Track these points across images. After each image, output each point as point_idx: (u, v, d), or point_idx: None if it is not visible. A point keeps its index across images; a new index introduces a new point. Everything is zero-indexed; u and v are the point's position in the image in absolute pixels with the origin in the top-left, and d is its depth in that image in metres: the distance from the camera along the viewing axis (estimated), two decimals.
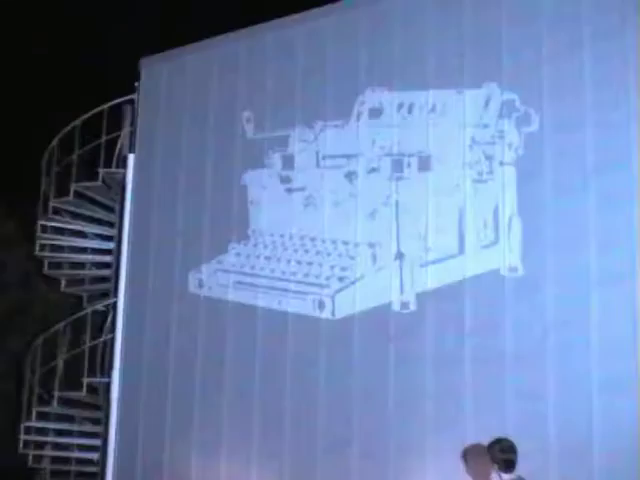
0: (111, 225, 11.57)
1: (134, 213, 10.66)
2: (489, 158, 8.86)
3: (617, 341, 7.88)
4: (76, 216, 11.70)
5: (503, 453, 6.68)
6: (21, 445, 11.04)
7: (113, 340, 10.49)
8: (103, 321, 11.01)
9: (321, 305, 9.27)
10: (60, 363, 10.99)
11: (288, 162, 9.86)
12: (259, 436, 9.32)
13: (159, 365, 10.07)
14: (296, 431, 9.13)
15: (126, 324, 10.39)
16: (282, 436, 9.18)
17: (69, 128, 11.39)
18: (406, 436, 8.57)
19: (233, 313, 9.75)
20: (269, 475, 9.20)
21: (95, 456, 10.70)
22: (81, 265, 12.12)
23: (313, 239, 9.58)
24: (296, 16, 10.02)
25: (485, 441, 6.94)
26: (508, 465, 6.64)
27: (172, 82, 10.79)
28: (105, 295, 11.52)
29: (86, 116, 11.26)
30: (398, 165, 9.23)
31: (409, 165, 9.17)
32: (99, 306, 11.15)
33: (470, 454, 6.97)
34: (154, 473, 9.77)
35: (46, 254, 11.74)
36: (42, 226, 11.53)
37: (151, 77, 10.91)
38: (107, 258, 11.63)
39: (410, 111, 9.33)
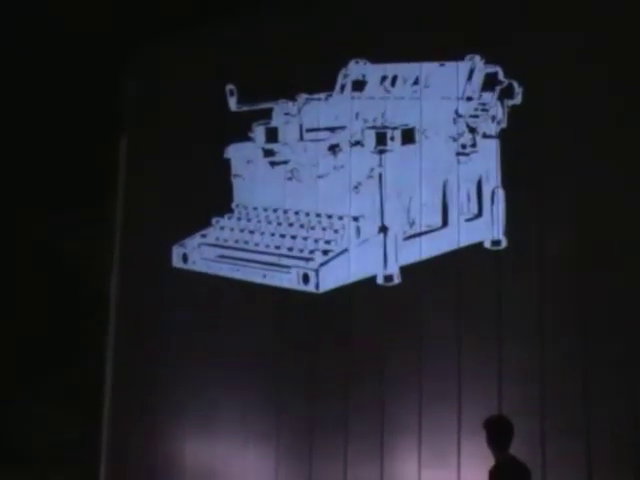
0: None
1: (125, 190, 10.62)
2: (473, 131, 8.86)
3: None
4: None
5: (499, 432, 6.58)
6: None
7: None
8: None
9: (305, 278, 9.27)
10: None
11: (271, 135, 9.81)
12: (252, 413, 9.32)
13: (148, 342, 10.04)
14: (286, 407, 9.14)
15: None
16: (275, 413, 9.21)
17: None
18: (399, 413, 8.60)
19: (217, 287, 9.74)
20: (265, 455, 9.20)
21: None
22: None
23: (297, 212, 9.57)
24: None
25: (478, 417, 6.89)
26: (505, 444, 6.56)
27: (160, 58, 10.68)
28: None
29: None
30: (382, 138, 9.20)
31: (393, 138, 9.15)
32: None
33: (486, 426, 6.68)
34: (147, 452, 9.74)
35: None
36: None
37: (141, 55, 10.82)
38: None
39: (394, 84, 9.30)
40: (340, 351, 8.98)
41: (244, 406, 9.30)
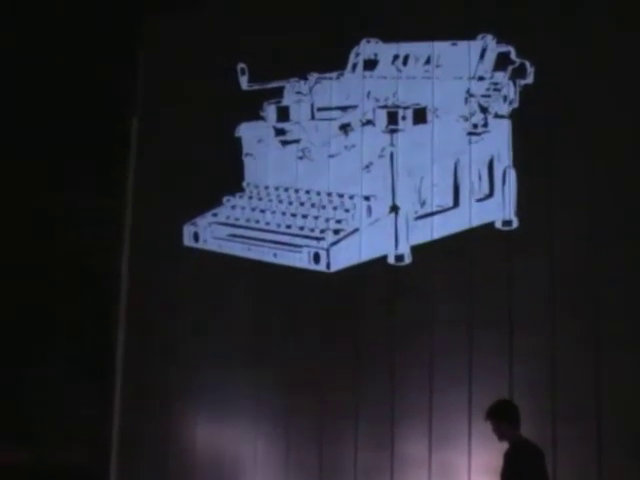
0: None
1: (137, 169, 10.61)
2: (484, 110, 8.85)
3: None
4: None
5: (511, 414, 6.59)
6: None
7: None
8: None
9: (316, 258, 9.28)
10: None
11: (283, 114, 9.80)
12: (263, 396, 9.32)
13: (160, 322, 10.04)
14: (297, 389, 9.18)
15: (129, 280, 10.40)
16: (286, 395, 9.23)
17: None
18: (409, 395, 8.63)
19: (228, 266, 9.75)
20: (275, 438, 9.24)
21: None
22: None
23: (308, 192, 9.56)
24: None
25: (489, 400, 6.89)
26: (518, 425, 6.58)
27: (172, 36, 10.65)
28: None
29: None
30: (393, 117, 9.19)
31: (404, 117, 9.14)
32: None
33: (495, 412, 6.66)
34: (158, 433, 9.77)
35: None
36: None
37: (154, 32, 10.78)
38: None
39: (405, 63, 9.28)
40: (351, 331, 9.00)
41: (255, 388, 9.30)
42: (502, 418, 6.56)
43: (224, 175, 9.93)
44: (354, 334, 8.99)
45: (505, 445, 6.54)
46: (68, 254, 11.17)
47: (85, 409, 10.65)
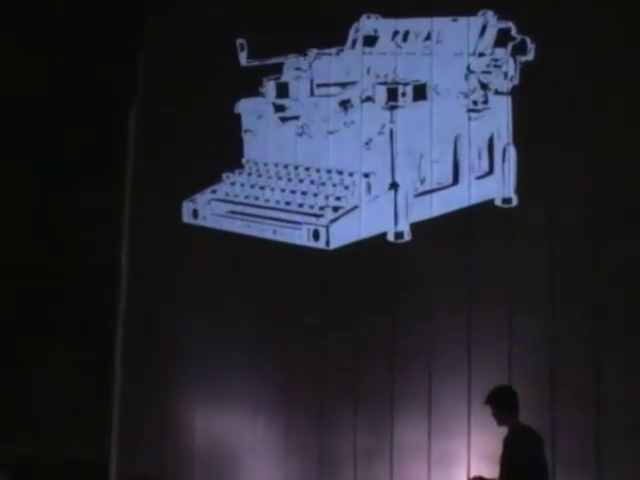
0: None
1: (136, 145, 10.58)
2: (485, 87, 8.81)
3: None
4: None
5: (510, 400, 6.58)
6: None
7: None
8: None
9: (316, 235, 9.27)
10: None
11: (282, 90, 9.76)
12: (263, 379, 9.31)
13: (157, 301, 10.04)
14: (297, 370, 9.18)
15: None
16: (286, 378, 9.23)
17: None
18: (409, 380, 8.64)
19: (228, 243, 9.74)
20: (275, 424, 9.25)
21: None
22: None
23: (307, 168, 9.53)
24: None
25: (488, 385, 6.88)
26: (517, 411, 6.57)
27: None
28: None
29: None
30: (393, 94, 9.15)
31: (404, 94, 9.11)
32: None
33: (495, 398, 6.64)
34: (158, 422, 9.77)
35: None
36: None
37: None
38: None
39: (405, 39, 9.23)
40: (350, 309, 9.00)
41: (255, 374, 9.29)
42: (501, 404, 6.55)
43: (224, 151, 9.89)
44: (353, 315, 8.99)
45: (504, 431, 6.54)
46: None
47: (85, 404, 10.69)
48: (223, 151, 9.90)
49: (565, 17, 8.51)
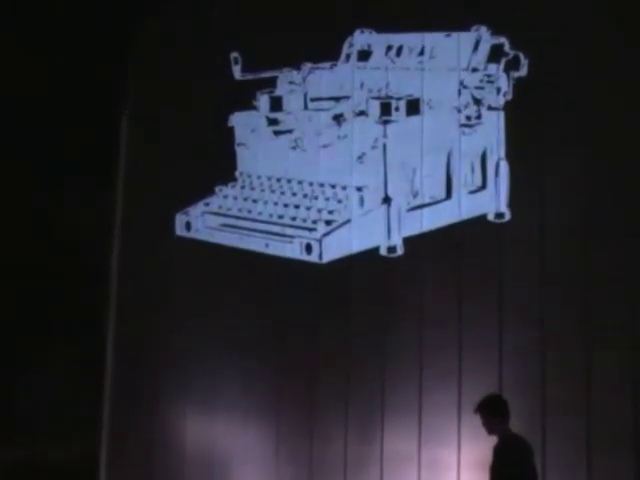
0: None
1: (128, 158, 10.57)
2: (478, 102, 8.85)
3: None
4: None
5: (500, 408, 6.59)
6: None
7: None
8: None
9: (308, 248, 9.27)
10: None
11: (276, 104, 9.77)
12: (252, 389, 9.32)
13: (149, 312, 10.03)
14: (287, 381, 9.18)
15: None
16: (276, 389, 9.23)
17: None
18: (399, 390, 8.65)
19: (220, 256, 9.74)
20: (265, 433, 9.24)
21: None
22: None
23: (301, 182, 9.54)
24: None
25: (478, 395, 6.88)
26: (507, 419, 6.58)
27: (163, 26, 10.59)
28: None
29: None
30: (386, 108, 9.17)
31: (397, 109, 9.12)
32: None
33: (485, 407, 6.65)
34: (148, 429, 9.76)
35: None
36: None
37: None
38: None
39: (399, 54, 9.27)
40: (341, 322, 9.00)
41: (246, 382, 9.30)
42: (492, 412, 6.56)
43: (217, 165, 9.90)
44: (345, 327, 8.99)
45: (494, 439, 6.55)
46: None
47: (75, 407, 10.65)
48: (216, 164, 9.91)
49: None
